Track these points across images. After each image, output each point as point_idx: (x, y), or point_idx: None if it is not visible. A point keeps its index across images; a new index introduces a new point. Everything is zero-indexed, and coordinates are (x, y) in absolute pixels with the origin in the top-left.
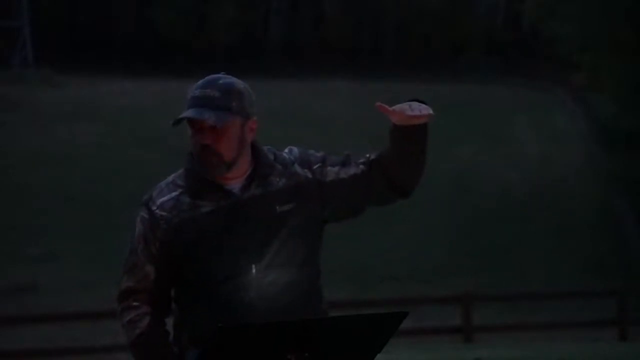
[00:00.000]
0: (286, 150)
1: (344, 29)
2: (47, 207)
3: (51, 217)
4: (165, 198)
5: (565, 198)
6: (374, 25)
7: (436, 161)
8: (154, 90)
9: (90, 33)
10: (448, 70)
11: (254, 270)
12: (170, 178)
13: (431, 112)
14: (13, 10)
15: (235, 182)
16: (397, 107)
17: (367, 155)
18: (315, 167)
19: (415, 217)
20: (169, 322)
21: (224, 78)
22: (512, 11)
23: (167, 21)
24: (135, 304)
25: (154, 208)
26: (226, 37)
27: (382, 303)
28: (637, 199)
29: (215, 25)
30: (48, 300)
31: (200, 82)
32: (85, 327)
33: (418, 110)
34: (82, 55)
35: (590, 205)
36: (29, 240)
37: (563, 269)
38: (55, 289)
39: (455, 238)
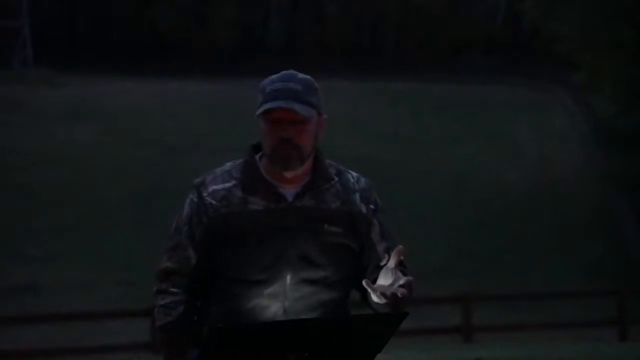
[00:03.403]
0: (354, 174)
1: (344, 29)
2: (47, 207)
3: (51, 217)
4: (218, 187)
5: (565, 198)
6: (374, 25)
7: (436, 161)
8: (154, 90)
9: (90, 33)
10: (448, 70)
11: (288, 280)
12: (227, 166)
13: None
14: (13, 10)
15: (290, 187)
16: (380, 294)
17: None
18: (371, 206)
19: (415, 217)
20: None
21: (300, 74)
22: (512, 11)
23: (167, 21)
24: (173, 289)
25: (204, 194)
26: (226, 37)
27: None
28: (637, 199)
29: (215, 25)
30: (48, 300)
31: (276, 76)
32: (85, 327)
33: (396, 304)
34: (82, 55)
35: (590, 205)
36: (29, 240)
37: (563, 269)
38: (55, 289)
39: (455, 238)
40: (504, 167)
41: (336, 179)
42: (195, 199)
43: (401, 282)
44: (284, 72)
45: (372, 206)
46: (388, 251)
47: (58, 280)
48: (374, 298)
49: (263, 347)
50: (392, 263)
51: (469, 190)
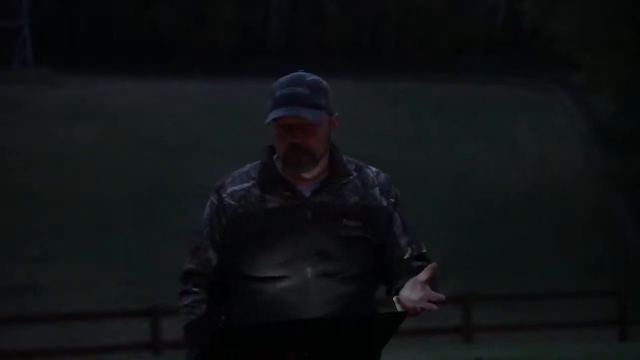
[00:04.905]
0: (374, 169)
1: (344, 29)
2: (47, 207)
3: (51, 217)
4: (236, 187)
5: (565, 198)
6: (374, 25)
7: (435, 161)
8: (154, 90)
9: (90, 33)
10: (448, 70)
11: (308, 275)
12: (245, 168)
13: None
14: (13, 10)
15: (307, 184)
16: (410, 302)
17: (415, 263)
18: (391, 199)
19: (415, 217)
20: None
21: (309, 75)
22: (512, 11)
23: (167, 21)
24: (195, 289)
25: (224, 195)
26: (226, 37)
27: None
28: (637, 199)
29: (215, 25)
30: (48, 300)
31: (285, 80)
32: (85, 327)
33: (422, 309)
34: (82, 55)
35: (589, 206)
36: (29, 240)
37: (563, 269)
38: (55, 289)
39: (455, 238)
40: (503, 167)
41: (355, 174)
42: (215, 201)
43: (434, 298)
44: (293, 74)
45: (392, 200)
46: (410, 245)
47: (58, 280)
48: (398, 308)
49: (263, 347)
50: (423, 277)
51: (468, 190)
